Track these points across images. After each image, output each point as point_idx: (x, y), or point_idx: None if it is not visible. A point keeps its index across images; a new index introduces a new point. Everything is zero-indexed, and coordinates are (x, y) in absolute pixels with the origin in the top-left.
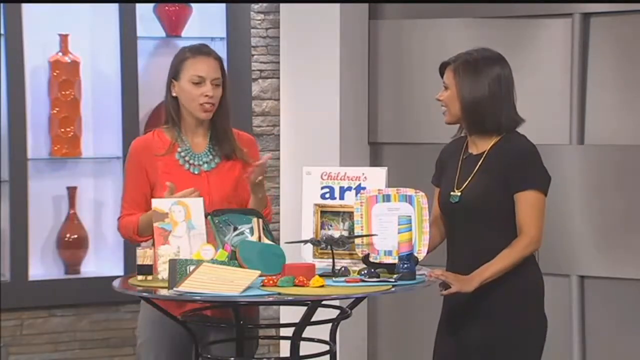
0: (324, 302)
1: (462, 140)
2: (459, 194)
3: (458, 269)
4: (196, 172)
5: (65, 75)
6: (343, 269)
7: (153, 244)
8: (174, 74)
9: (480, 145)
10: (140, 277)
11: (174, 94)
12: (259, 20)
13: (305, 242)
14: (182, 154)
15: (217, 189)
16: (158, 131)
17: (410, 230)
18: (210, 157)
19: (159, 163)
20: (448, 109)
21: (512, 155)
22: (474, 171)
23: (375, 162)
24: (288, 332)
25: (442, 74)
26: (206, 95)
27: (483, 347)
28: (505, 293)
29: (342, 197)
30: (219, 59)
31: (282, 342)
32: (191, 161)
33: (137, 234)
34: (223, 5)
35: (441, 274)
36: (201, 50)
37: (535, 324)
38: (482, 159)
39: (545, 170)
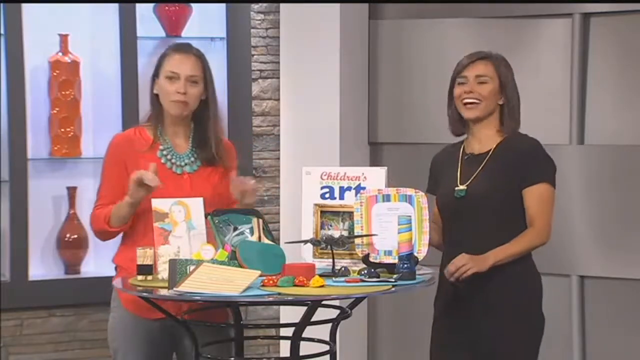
0: (324, 302)
1: (455, 146)
2: (465, 188)
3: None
4: (179, 172)
5: (65, 75)
6: (343, 269)
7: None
8: (156, 72)
9: (484, 145)
10: (140, 277)
11: (155, 92)
12: (259, 20)
13: (305, 242)
14: (165, 152)
15: (200, 191)
16: (140, 128)
17: (410, 230)
18: (192, 159)
19: (141, 160)
20: (483, 103)
21: (520, 152)
22: (480, 168)
23: (375, 162)
24: (288, 332)
25: (462, 69)
26: (178, 92)
27: (480, 343)
28: (503, 291)
29: (342, 197)
30: (200, 57)
31: (282, 342)
32: (173, 160)
33: (107, 223)
34: (223, 5)
35: (455, 269)
36: (180, 47)
37: (533, 322)
38: (489, 156)
39: (551, 160)
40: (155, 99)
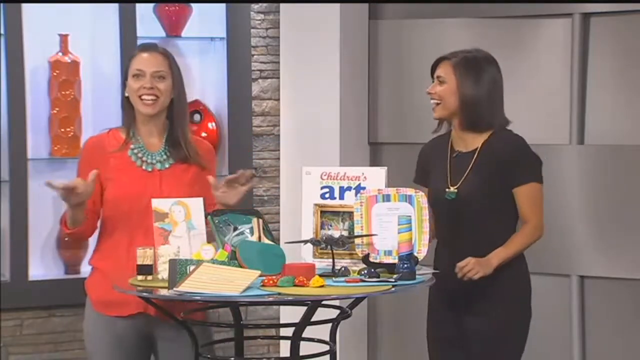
0: (324, 302)
1: (444, 138)
2: (455, 190)
3: (456, 263)
4: (149, 170)
5: (65, 75)
6: (343, 269)
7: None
8: (126, 77)
9: (470, 143)
10: (140, 277)
11: (126, 94)
12: (259, 20)
13: (305, 242)
14: (135, 150)
15: (170, 188)
16: (114, 130)
17: (410, 230)
18: (165, 157)
19: (110, 160)
20: (442, 103)
21: (505, 151)
22: (468, 168)
23: (375, 162)
24: (288, 332)
25: (434, 69)
26: (144, 87)
27: (474, 337)
28: (495, 287)
29: (342, 197)
30: (165, 54)
31: (282, 342)
32: (144, 158)
33: (65, 225)
34: (223, 5)
35: (469, 272)
36: (144, 46)
37: (521, 316)
38: (475, 156)
39: (536, 158)
40: (126, 101)
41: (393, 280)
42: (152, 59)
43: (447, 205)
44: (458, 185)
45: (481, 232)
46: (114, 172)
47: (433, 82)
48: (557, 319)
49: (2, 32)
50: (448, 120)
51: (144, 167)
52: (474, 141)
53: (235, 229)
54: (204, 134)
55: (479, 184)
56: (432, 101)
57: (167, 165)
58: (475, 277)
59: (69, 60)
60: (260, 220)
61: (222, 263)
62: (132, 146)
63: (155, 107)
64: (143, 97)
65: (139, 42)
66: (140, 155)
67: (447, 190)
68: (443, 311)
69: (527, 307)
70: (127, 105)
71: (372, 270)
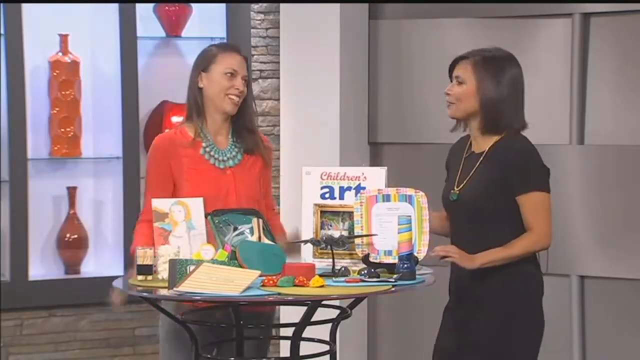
0: (324, 302)
1: (467, 139)
2: (458, 192)
3: (458, 265)
4: (221, 167)
5: (65, 75)
6: (343, 269)
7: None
8: (204, 67)
9: (482, 144)
10: (140, 277)
11: (200, 85)
12: (259, 20)
13: (305, 242)
14: (207, 149)
15: (244, 185)
16: (180, 128)
17: (410, 230)
18: (234, 152)
19: (184, 159)
20: (458, 104)
21: (512, 157)
22: (472, 172)
23: (375, 162)
24: (288, 332)
25: (452, 69)
26: (237, 89)
27: (478, 343)
28: (504, 291)
29: (342, 197)
30: (246, 59)
31: (282, 342)
32: (216, 156)
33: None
34: (223, 5)
35: (441, 249)
36: (234, 47)
37: (531, 324)
38: (482, 158)
39: (544, 167)
40: (199, 93)
41: (393, 280)
42: (242, 62)
43: (450, 206)
44: (461, 186)
45: (481, 236)
46: (189, 173)
47: (451, 82)
48: (557, 319)
49: (2, 32)
50: (464, 121)
51: (216, 165)
52: (485, 142)
53: (235, 229)
54: None
55: (480, 187)
56: (447, 100)
57: (237, 162)
58: (447, 259)
59: (69, 60)
60: (260, 220)
61: (222, 263)
62: (203, 144)
63: (237, 107)
64: (231, 96)
65: (139, 42)
66: (212, 153)
67: (452, 191)
68: (445, 318)
69: (529, 311)
70: (199, 97)
71: (372, 270)
